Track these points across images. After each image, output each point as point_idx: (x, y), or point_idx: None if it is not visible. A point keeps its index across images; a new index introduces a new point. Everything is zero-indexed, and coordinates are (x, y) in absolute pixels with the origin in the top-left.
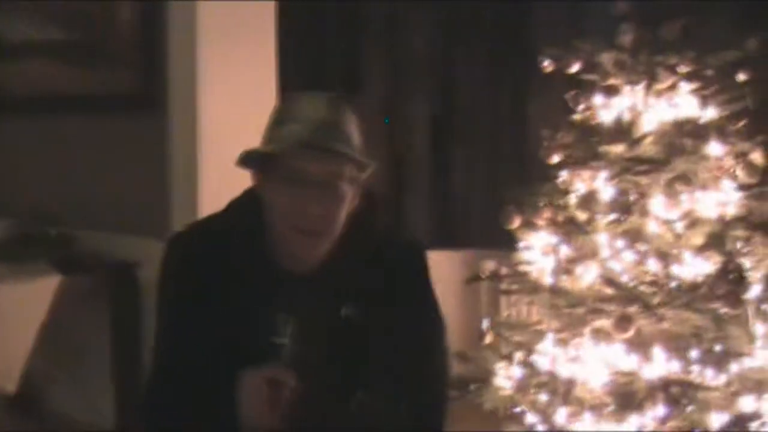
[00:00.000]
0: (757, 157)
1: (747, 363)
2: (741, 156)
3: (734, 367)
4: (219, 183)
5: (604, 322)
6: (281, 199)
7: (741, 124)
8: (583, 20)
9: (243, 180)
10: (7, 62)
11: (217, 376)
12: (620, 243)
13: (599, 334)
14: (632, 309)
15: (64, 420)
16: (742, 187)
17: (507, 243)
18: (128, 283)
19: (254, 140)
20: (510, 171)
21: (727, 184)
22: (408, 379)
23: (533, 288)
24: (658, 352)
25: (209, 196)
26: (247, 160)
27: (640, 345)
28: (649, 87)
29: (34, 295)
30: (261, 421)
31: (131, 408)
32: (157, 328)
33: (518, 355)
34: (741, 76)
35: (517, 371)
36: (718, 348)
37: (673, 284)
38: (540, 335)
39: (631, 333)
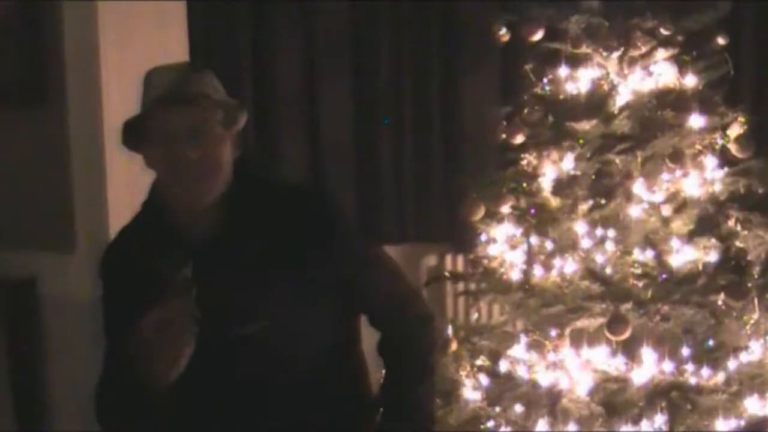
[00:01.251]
0: (743, 128)
1: (743, 358)
2: (724, 128)
3: (731, 364)
4: (127, 187)
5: (586, 322)
6: (159, 158)
7: (723, 92)
8: None
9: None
10: None
11: None
12: (600, 231)
13: (581, 336)
14: (626, 307)
15: None
16: (728, 163)
17: (445, 236)
18: (26, 301)
19: None
20: (445, 157)
21: (709, 161)
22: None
23: (504, 287)
24: (647, 352)
25: (118, 202)
26: (128, 139)
27: (627, 346)
28: (623, 55)
29: None
30: (164, 353)
31: None
32: (107, 336)
33: (483, 363)
34: (720, 41)
35: (485, 381)
36: (710, 343)
37: (665, 276)
38: (511, 339)
39: (627, 335)
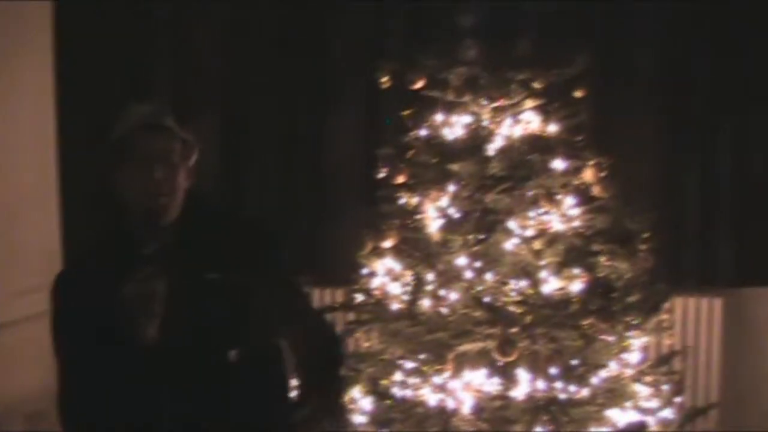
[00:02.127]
0: (600, 170)
1: (603, 374)
2: (583, 170)
3: (594, 380)
4: None
5: (469, 347)
6: (135, 174)
7: (580, 138)
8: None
9: None
10: None
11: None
12: (479, 264)
13: (464, 359)
14: (512, 330)
15: None
16: (584, 201)
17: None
18: None
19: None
20: (312, 194)
21: (569, 200)
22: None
23: (391, 317)
24: (521, 372)
25: None
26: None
27: (505, 367)
28: (498, 103)
29: None
30: (144, 309)
31: None
32: (63, 353)
33: (364, 389)
34: (577, 92)
35: (368, 404)
36: (575, 362)
37: (541, 303)
38: (390, 366)
39: (516, 356)
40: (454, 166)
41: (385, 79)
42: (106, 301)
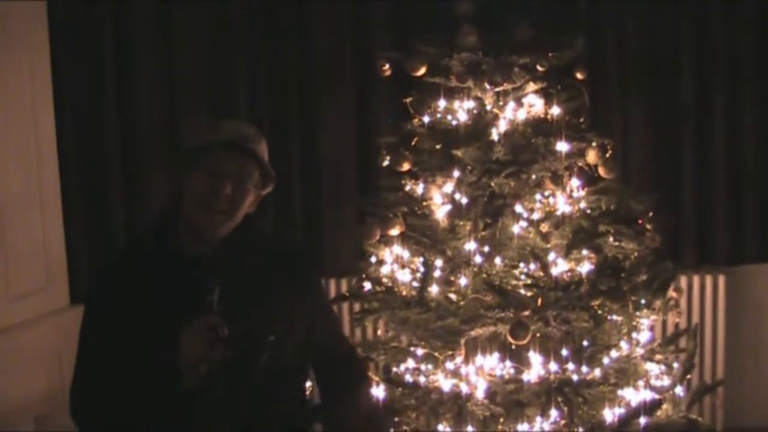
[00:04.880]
0: (607, 151)
1: (613, 354)
2: (587, 152)
3: (605, 360)
4: None
5: (480, 332)
6: (202, 184)
7: (582, 120)
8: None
9: None
10: None
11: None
12: (488, 248)
13: (476, 344)
14: (524, 314)
15: None
16: (587, 183)
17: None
18: None
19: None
20: (303, 187)
21: (573, 182)
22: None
23: (400, 304)
24: (533, 355)
25: None
26: (177, 159)
27: (516, 350)
28: (501, 87)
29: None
30: (201, 359)
31: None
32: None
33: (376, 377)
34: (578, 75)
35: (381, 392)
36: (586, 343)
37: (553, 285)
38: (402, 354)
39: (528, 339)
40: (459, 152)
41: (385, 67)
42: (152, 323)
